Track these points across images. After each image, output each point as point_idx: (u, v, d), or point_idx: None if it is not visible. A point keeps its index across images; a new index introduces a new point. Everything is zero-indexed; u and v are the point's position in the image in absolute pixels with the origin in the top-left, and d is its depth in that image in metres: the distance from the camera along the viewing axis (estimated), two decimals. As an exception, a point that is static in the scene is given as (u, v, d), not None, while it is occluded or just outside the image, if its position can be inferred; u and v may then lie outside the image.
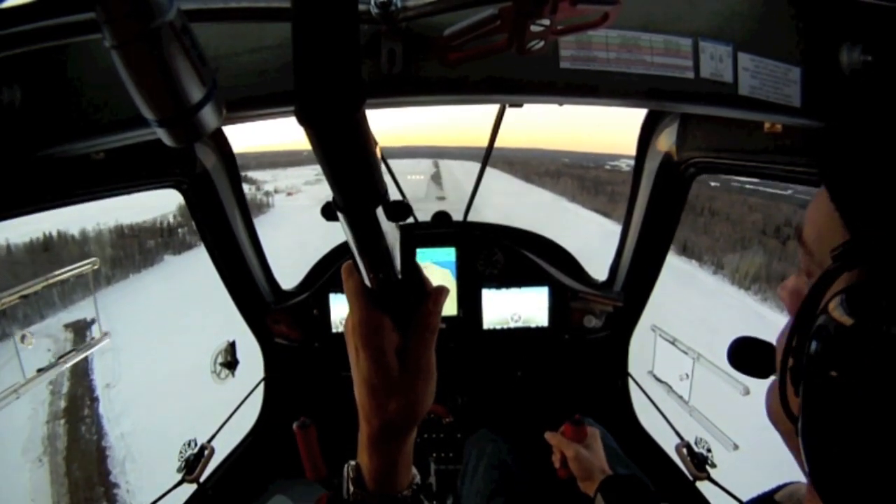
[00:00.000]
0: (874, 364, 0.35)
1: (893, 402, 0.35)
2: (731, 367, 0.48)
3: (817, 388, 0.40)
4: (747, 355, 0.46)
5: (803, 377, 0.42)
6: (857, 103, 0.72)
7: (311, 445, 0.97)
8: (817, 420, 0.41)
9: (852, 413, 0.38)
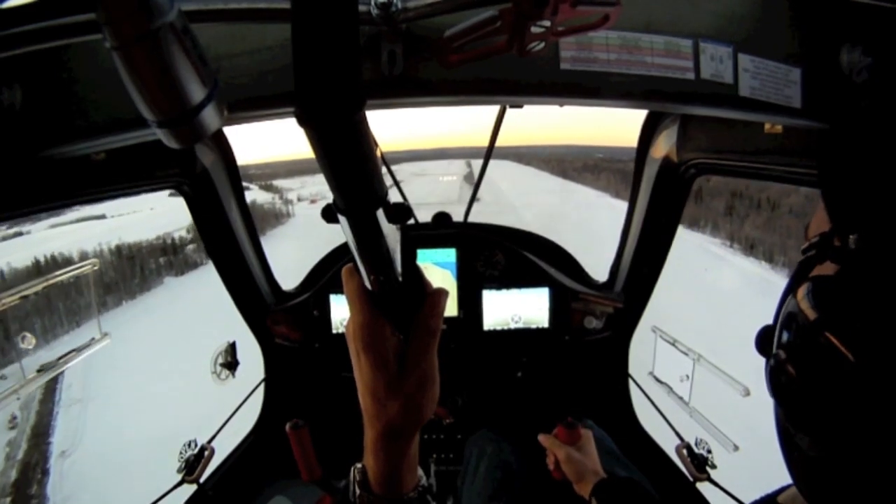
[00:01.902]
0: (828, 355, 0.37)
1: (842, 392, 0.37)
2: (759, 354, 0.49)
3: (778, 371, 0.43)
4: (768, 340, 0.48)
5: (773, 362, 0.43)
6: (858, 104, 0.72)
7: (305, 446, 0.97)
8: (783, 407, 0.43)
9: (808, 401, 0.40)
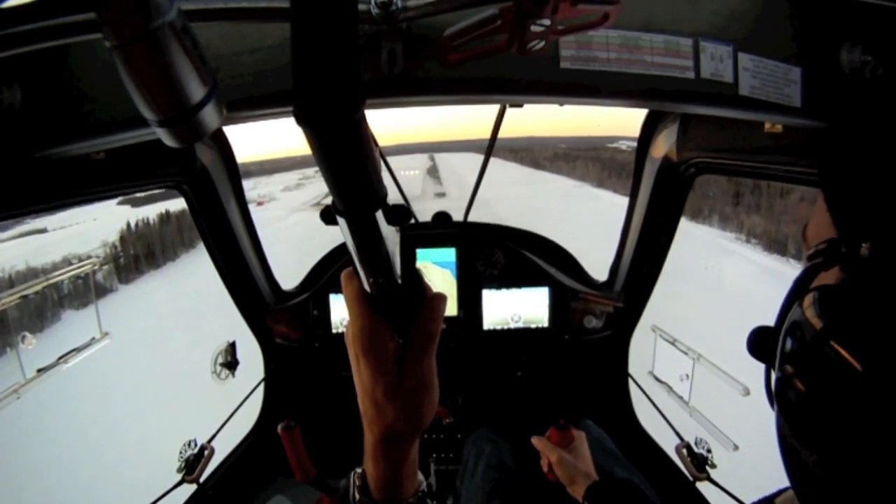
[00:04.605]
0: (837, 363, 0.36)
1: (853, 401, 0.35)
2: (750, 356, 0.49)
3: (784, 380, 0.42)
4: (765, 345, 0.47)
5: (775, 368, 0.43)
6: (858, 103, 0.71)
7: (297, 447, 0.98)
8: (783, 414, 0.42)
9: (813, 410, 0.39)
